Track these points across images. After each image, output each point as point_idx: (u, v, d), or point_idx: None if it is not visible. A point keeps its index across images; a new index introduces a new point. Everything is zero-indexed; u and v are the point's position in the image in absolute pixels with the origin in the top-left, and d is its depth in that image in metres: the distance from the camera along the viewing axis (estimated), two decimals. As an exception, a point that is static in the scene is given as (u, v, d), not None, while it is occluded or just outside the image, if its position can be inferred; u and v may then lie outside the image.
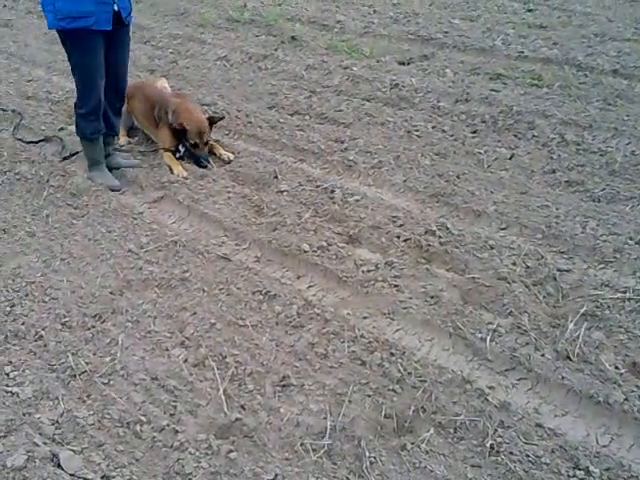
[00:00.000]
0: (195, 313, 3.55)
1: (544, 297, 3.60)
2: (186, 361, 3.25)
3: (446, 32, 7.53)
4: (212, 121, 5.09)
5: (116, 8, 4.29)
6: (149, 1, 9.09)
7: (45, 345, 3.34)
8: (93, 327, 3.46)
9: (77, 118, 4.71)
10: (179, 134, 5.02)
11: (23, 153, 5.26)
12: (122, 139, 5.39)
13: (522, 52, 6.85)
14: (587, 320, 3.41)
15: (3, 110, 6.04)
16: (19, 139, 5.49)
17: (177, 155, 5.11)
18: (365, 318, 3.50)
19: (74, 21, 4.15)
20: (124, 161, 5.09)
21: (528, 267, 3.81)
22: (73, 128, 5.08)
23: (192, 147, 5.02)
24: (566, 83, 6.08)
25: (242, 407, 2.99)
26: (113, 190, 4.76)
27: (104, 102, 4.66)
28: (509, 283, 3.67)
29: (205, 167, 5.00)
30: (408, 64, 6.87)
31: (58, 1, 4.10)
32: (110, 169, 4.96)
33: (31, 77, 6.91)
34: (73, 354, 3.28)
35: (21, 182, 4.88)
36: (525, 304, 3.52)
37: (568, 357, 3.21)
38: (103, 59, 4.45)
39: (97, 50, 4.37)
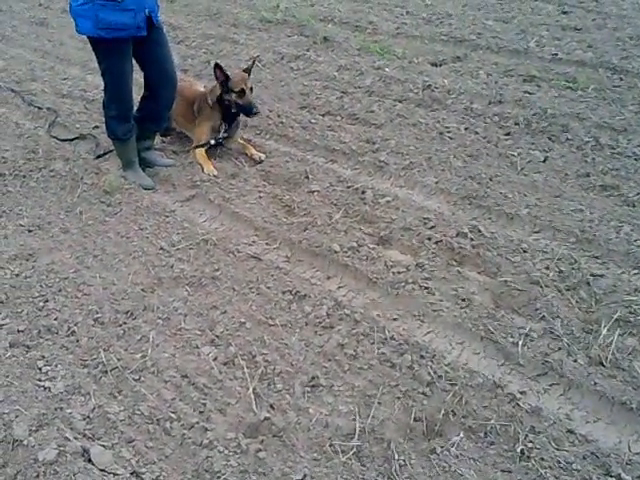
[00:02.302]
0: (225, 312, 3.57)
1: (577, 302, 3.56)
2: (216, 359, 3.26)
3: (479, 33, 7.46)
4: (247, 70, 5.14)
5: (147, 13, 4.34)
6: (183, 1, 9.14)
7: (77, 340, 3.38)
8: (125, 323, 3.50)
9: (107, 120, 4.78)
10: (222, 105, 5.11)
11: (58, 151, 5.31)
12: (156, 138, 5.42)
13: (556, 54, 6.76)
14: (620, 326, 3.37)
15: (38, 108, 6.11)
16: (54, 137, 5.55)
17: (215, 141, 5.16)
18: (395, 320, 3.49)
19: (114, 32, 4.21)
20: (159, 159, 5.13)
21: (561, 271, 3.76)
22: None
23: (238, 97, 5.02)
24: (601, 86, 6.00)
25: (271, 406, 3.00)
26: (146, 189, 4.79)
27: (155, 97, 4.78)
28: (542, 287, 3.64)
29: (257, 113, 5.09)
30: (441, 65, 6.81)
31: (101, 11, 4.13)
32: (145, 166, 5.01)
33: (66, 75, 6.99)
34: (105, 350, 3.32)
35: (55, 179, 4.93)
36: (558, 309, 3.48)
37: (601, 363, 3.17)
38: (132, 64, 4.54)
39: (127, 55, 4.45)
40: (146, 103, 4.87)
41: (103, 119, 4.90)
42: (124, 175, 4.91)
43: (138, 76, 4.67)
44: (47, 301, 3.66)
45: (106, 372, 3.20)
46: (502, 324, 3.41)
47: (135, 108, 4.83)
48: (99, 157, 5.19)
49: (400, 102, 6.02)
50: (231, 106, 5.06)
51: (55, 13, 9.21)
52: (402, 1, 8.92)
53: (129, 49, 4.42)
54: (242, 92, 5.00)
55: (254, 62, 5.26)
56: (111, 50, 4.38)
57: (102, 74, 4.57)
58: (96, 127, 5.68)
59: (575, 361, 3.19)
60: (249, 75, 5.10)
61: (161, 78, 4.72)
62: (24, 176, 4.96)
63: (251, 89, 5.07)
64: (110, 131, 4.81)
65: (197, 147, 5.14)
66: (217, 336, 3.39)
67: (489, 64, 6.69)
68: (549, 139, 5.24)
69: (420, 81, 6.31)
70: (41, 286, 3.78)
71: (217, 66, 5.01)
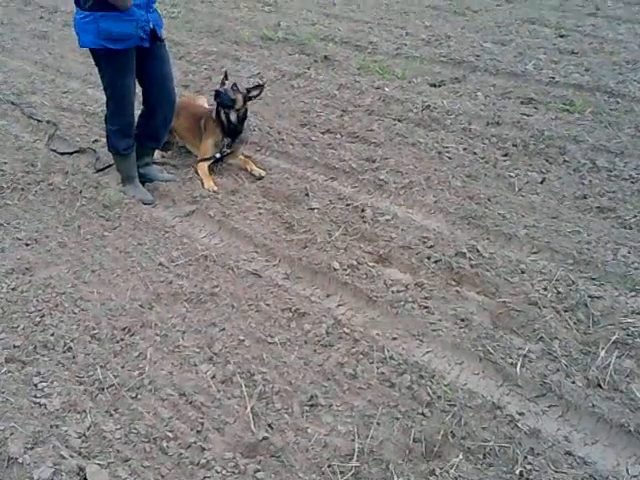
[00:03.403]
0: (224, 329, 3.56)
1: (575, 323, 3.56)
2: (214, 377, 3.25)
3: (478, 55, 7.52)
4: (249, 89, 5.18)
5: (151, 26, 4.36)
6: (185, 18, 9.19)
7: (74, 357, 3.36)
8: (122, 340, 3.48)
9: (108, 134, 4.79)
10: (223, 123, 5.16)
11: (57, 164, 5.30)
12: (156, 153, 5.42)
13: (553, 77, 6.81)
14: (618, 348, 3.37)
15: (38, 121, 6.11)
16: (53, 150, 5.55)
17: (217, 156, 5.18)
18: (394, 339, 3.48)
19: (115, 42, 4.22)
20: (159, 174, 5.13)
21: (559, 292, 3.77)
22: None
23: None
24: (598, 109, 6.04)
25: (269, 426, 2.98)
26: (145, 203, 4.79)
27: (152, 114, 4.79)
28: (540, 308, 3.64)
29: (218, 95, 5.04)
30: (440, 86, 6.86)
31: (102, 21, 4.15)
32: (144, 181, 5.01)
33: (66, 89, 6.99)
34: (101, 367, 3.30)
35: (54, 193, 4.92)
36: (556, 330, 3.49)
37: (599, 385, 3.17)
38: (135, 78, 4.55)
39: (130, 69, 4.46)
40: (144, 120, 4.87)
41: (104, 133, 4.91)
42: (123, 190, 4.90)
43: (138, 91, 4.68)
44: (44, 316, 3.64)
45: (103, 389, 3.18)
46: (501, 345, 3.40)
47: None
48: (99, 171, 5.18)
49: (400, 121, 6.05)
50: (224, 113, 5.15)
51: (56, 26, 9.24)
52: (402, 22, 9.00)
53: (132, 62, 4.43)
54: (222, 84, 5.11)
55: (260, 88, 5.25)
56: (113, 63, 4.39)
57: (104, 88, 4.58)
58: (96, 141, 5.68)
59: (573, 383, 3.19)
60: (251, 95, 5.15)
61: (160, 96, 4.74)
62: (22, 189, 4.94)
63: (234, 86, 5.06)
64: (111, 145, 4.82)
65: (202, 160, 5.14)
66: (215, 354, 3.38)
67: (487, 86, 6.73)
68: (546, 161, 5.27)
69: (419, 101, 6.35)
70: (38, 301, 3.76)
71: (225, 74, 5.17)
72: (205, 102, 5.77)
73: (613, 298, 3.74)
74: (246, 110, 5.21)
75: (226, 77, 5.14)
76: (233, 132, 5.20)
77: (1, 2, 10.49)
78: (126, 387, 3.19)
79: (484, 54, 7.57)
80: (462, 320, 3.58)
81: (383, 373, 3.24)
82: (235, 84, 5.08)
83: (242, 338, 3.47)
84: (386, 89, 6.74)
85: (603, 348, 3.35)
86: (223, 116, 5.14)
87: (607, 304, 3.67)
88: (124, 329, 3.55)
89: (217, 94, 5.04)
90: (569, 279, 3.87)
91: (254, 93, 5.18)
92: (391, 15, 9.39)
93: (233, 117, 5.13)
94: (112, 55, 4.30)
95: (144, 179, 5.02)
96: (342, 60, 7.52)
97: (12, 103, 6.53)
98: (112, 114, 4.68)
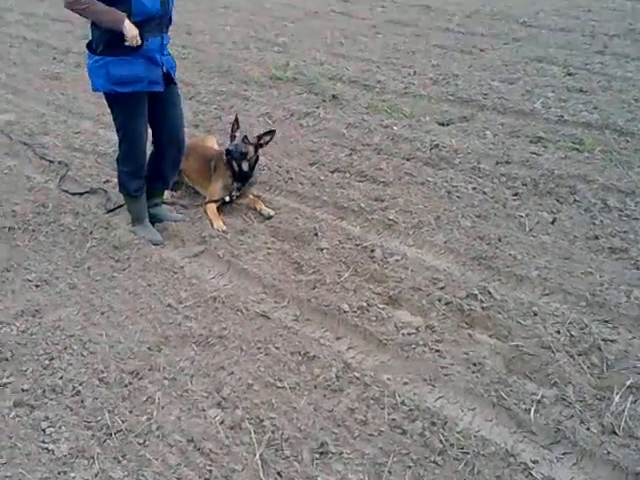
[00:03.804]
0: (232, 373, 3.52)
1: (589, 368, 3.52)
2: (222, 423, 3.21)
3: (485, 94, 7.55)
4: (259, 136, 5.18)
5: (165, 69, 4.39)
6: (195, 59, 9.27)
7: (82, 401, 3.33)
8: (130, 384, 3.45)
9: (120, 175, 4.81)
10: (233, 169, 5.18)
11: (68, 204, 5.31)
12: (166, 193, 5.43)
13: (562, 116, 6.83)
14: (633, 393, 3.33)
15: (50, 162, 6.14)
16: (65, 190, 5.57)
17: (226, 199, 5.20)
18: (406, 384, 3.44)
19: (126, 85, 4.25)
20: (169, 214, 5.13)
21: (572, 336, 3.73)
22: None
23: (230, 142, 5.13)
24: (607, 148, 6.05)
25: (279, 474, 2.94)
26: (155, 244, 4.79)
27: (161, 156, 4.80)
28: (553, 352, 3.61)
29: (229, 153, 5.05)
30: (448, 125, 6.88)
31: (111, 66, 4.19)
32: (154, 221, 5.02)
33: (79, 129, 7.03)
34: (109, 411, 3.27)
35: (65, 233, 4.92)
36: (570, 375, 3.45)
37: (614, 431, 3.12)
38: (147, 121, 4.56)
39: (143, 113, 4.49)
40: (153, 161, 4.88)
41: (115, 173, 4.94)
42: (133, 230, 4.91)
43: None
44: (52, 359, 3.62)
45: (110, 435, 3.14)
46: (514, 390, 3.36)
47: None
48: (110, 212, 5.19)
49: (408, 160, 6.06)
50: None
51: (69, 67, 9.33)
52: (409, 61, 9.06)
53: (143, 106, 4.45)
54: (232, 137, 5.11)
55: (271, 134, 5.24)
56: (124, 106, 4.41)
57: (117, 130, 4.60)
58: (107, 181, 5.70)
59: (588, 429, 3.14)
60: (262, 142, 5.16)
61: (169, 138, 4.74)
62: (33, 230, 4.94)
63: (244, 139, 5.05)
64: (122, 187, 4.85)
65: (210, 202, 5.15)
66: (224, 398, 3.34)
67: (496, 124, 6.75)
68: (557, 200, 5.26)
69: (428, 140, 6.36)
70: (47, 343, 3.74)
71: (235, 118, 5.19)
72: (215, 143, 5.79)
73: (627, 341, 3.71)
74: (257, 157, 5.24)
75: (237, 121, 5.16)
76: (244, 178, 5.22)
77: (14, 43, 10.62)
78: (134, 433, 3.15)
79: (492, 93, 7.60)
80: (474, 364, 3.54)
81: (394, 419, 3.19)
82: (246, 136, 5.07)
83: (251, 382, 3.44)
84: (394, 128, 6.77)
85: (617, 393, 3.31)
86: (235, 166, 5.16)
87: (621, 347, 3.64)
88: (132, 372, 3.52)
89: (228, 152, 5.06)
90: (582, 322, 3.83)
91: (266, 139, 5.19)
92: (398, 54, 9.46)
93: (245, 166, 5.16)
94: (123, 99, 4.33)
95: (154, 219, 5.02)
96: (350, 99, 7.56)
97: (24, 144, 6.57)
98: (124, 156, 4.70)
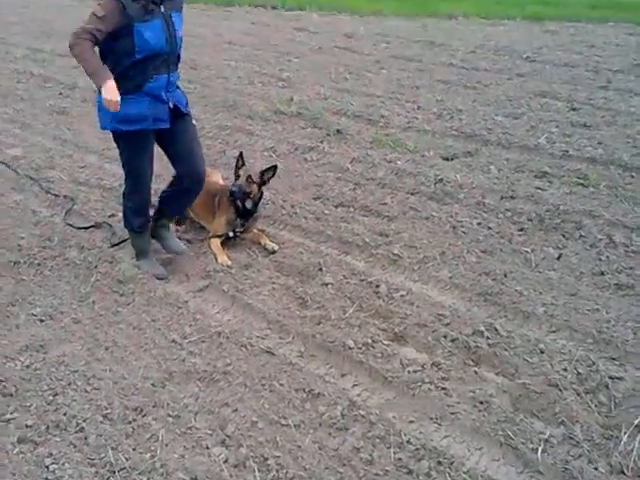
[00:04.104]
0: (237, 410, 3.49)
1: (596, 406, 3.49)
2: (226, 461, 3.18)
3: (490, 129, 7.59)
4: (263, 172, 5.20)
5: (171, 105, 4.41)
6: (200, 94, 9.33)
7: (86, 438, 3.30)
8: (134, 420, 3.42)
9: (125, 210, 4.85)
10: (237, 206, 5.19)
11: (73, 238, 5.32)
12: (171, 227, 5.43)
13: (567, 151, 6.85)
14: (641, 432, 3.28)
15: (56, 196, 6.17)
16: (70, 224, 5.58)
17: (230, 235, 5.21)
18: (411, 422, 3.41)
19: (131, 124, 4.29)
20: (173, 243, 5.04)
21: (579, 373, 3.70)
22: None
23: (234, 181, 5.17)
24: (612, 183, 6.06)
25: (284, 514, 2.90)
26: (159, 279, 4.78)
27: (180, 185, 4.77)
28: (560, 390, 3.58)
29: (232, 193, 5.09)
30: (452, 159, 6.90)
31: None
32: (158, 240, 5.03)
33: (84, 163, 7.07)
34: (113, 449, 3.23)
35: (69, 267, 4.92)
36: (577, 413, 3.41)
37: (622, 471, 3.09)
38: (152, 157, 4.60)
39: (148, 149, 4.53)
40: (171, 189, 4.87)
41: (119, 207, 4.96)
42: (138, 264, 4.91)
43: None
44: (56, 395, 3.59)
45: (114, 472, 3.11)
46: (521, 429, 3.33)
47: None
48: (114, 246, 5.20)
49: (412, 195, 6.07)
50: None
51: (75, 102, 9.41)
52: (413, 96, 9.12)
53: (148, 144, 4.49)
54: (237, 177, 5.14)
55: (274, 169, 5.24)
56: (130, 143, 4.45)
57: (122, 166, 4.65)
58: (112, 215, 5.71)
59: (596, 469, 3.10)
60: (265, 179, 5.19)
61: (186, 172, 4.70)
62: (39, 264, 4.95)
63: (248, 178, 5.08)
64: (126, 222, 4.89)
65: (215, 237, 5.15)
66: (228, 436, 3.31)
67: (500, 159, 6.77)
68: (562, 236, 5.26)
69: (432, 175, 6.38)
70: (51, 379, 3.72)
71: (240, 155, 5.20)
72: (220, 178, 5.81)
73: (634, 379, 3.67)
74: (262, 194, 5.28)
75: (241, 158, 5.18)
76: (248, 214, 5.24)
77: (21, 79, 10.71)
78: (137, 470, 3.12)
79: (496, 127, 7.64)
80: (481, 402, 3.50)
81: (400, 459, 3.16)
82: (250, 176, 5.10)
83: (255, 420, 3.41)
84: (398, 162, 6.80)
85: (625, 432, 3.27)
86: (239, 204, 5.17)
87: (629, 385, 3.61)
88: (136, 409, 3.49)
89: (232, 194, 5.09)
90: (589, 359, 3.81)
91: (268, 175, 5.21)
92: (402, 89, 9.52)
93: (249, 204, 5.19)
94: (129, 136, 4.37)
95: (158, 239, 5.02)
96: (354, 134, 7.61)
97: (30, 178, 6.60)
98: (129, 192, 4.74)
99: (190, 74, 10.38)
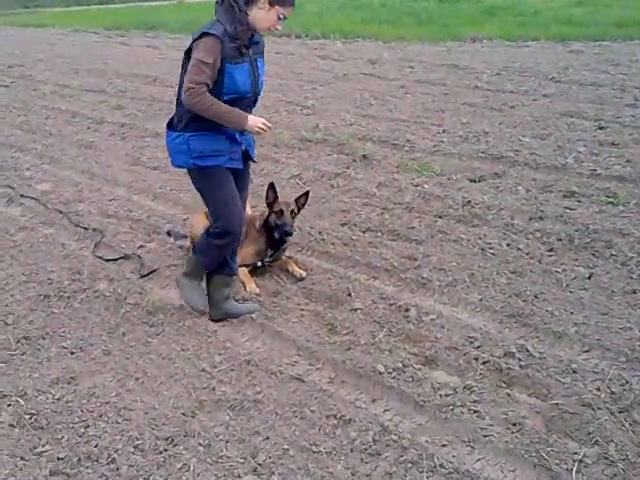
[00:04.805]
0: (268, 438, 3.47)
1: (630, 425, 3.41)
2: (259, 489, 3.15)
3: (517, 150, 7.57)
4: (297, 200, 5.20)
5: (244, 148, 4.40)
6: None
7: (117, 469, 3.29)
8: (165, 450, 3.41)
9: (219, 253, 4.46)
10: (268, 229, 5.17)
11: (102, 271, 5.39)
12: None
13: (595, 170, 6.80)
14: (676, 450, 3.21)
15: (85, 229, 6.26)
16: (99, 257, 5.65)
17: (261, 263, 5.21)
18: (444, 446, 3.36)
19: (208, 159, 4.20)
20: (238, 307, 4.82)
21: (613, 393, 3.64)
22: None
23: (277, 217, 5.09)
24: (642, 201, 6.00)
25: (317, 541, 2.86)
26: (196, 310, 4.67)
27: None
28: (594, 410, 3.51)
29: (288, 234, 5.09)
30: (479, 182, 6.89)
31: (192, 141, 4.15)
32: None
33: (112, 196, 7.18)
34: (145, 479, 3.23)
35: (99, 300, 4.97)
36: (611, 432, 3.34)
37: (658, 489, 3.02)
38: (235, 189, 4.42)
39: (230, 184, 4.35)
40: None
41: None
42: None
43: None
44: (88, 427, 3.60)
45: (146, 502, 3.11)
46: (555, 450, 3.27)
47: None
48: (143, 277, 5.24)
49: (440, 218, 6.06)
50: (272, 227, 5.12)
51: (103, 136, 9.58)
52: (438, 120, 9.14)
53: (228, 179, 4.33)
54: (280, 212, 5.07)
55: (307, 195, 5.25)
56: (210, 177, 4.30)
57: (208, 206, 4.47)
58: (141, 246, 5.78)
59: (632, 488, 3.04)
60: (299, 205, 5.17)
61: None
62: (69, 297, 5.00)
63: (292, 212, 5.09)
64: (232, 266, 4.59)
65: (242, 266, 5.13)
66: (259, 464, 3.28)
67: (528, 180, 6.74)
68: (593, 255, 5.20)
69: (459, 197, 6.37)
70: (82, 411, 3.73)
71: (271, 186, 5.11)
72: (248, 207, 5.83)
73: (668, 397, 3.60)
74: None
75: (273, 190, 5.11)
76: (279, 244, 5.23)
77: (50, 115, 10.96)
78: (169, 500, 3.12)
79: (523, 149, 7.62)
80: (514, 424, 3.44)
81: (434, 483, 3.11)
82: (293, 210, 5.09)
83: (286, 447, 3.38)
84: (425, 186, 6.80)
85: (661, 451, 3.20)
86: (277, 236, 5.14)
87: (663, 404, 3.53)
88: (167, 439, 3.49)
89: (286, 234, 5.09)
90: (622, 378, 3.74)
91: (302, 202, 5.21)
92: (427, 113, 9.56)
93: (289, 239, 5.21)
94: (207, 171, 4.26)
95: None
96: (380, 159, 7.63)
97: (60, 212, 6.71)
98: (223, 231, 4.34)
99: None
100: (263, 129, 4.14)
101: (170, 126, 4.31)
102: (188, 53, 4.08)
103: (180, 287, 4.69)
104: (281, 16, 4.15)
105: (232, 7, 4.05)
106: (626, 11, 16.68)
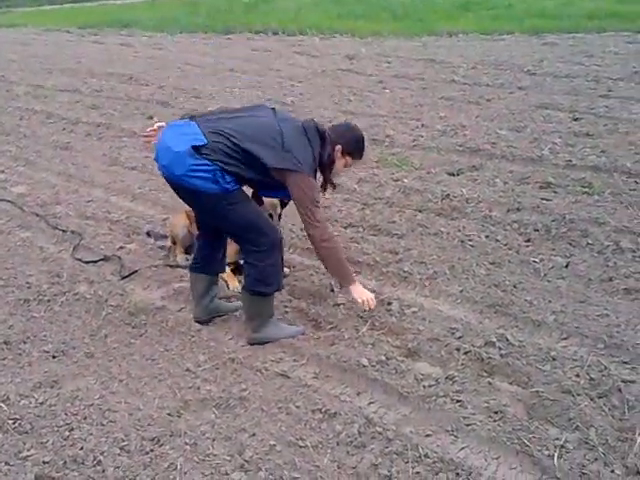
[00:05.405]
0: (254, 434, 3.49)
1: (610, 410, 3.47)
2: (246, 485, 3.17)
3: (494, 143, 7.63)
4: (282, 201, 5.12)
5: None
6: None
7: (104, 471, 3.29)
8: (151, 451, 3.41)
9: (267, 273, 4.19)
10: None
11: (82, 273, 5.36)
12: (179, 257, 5.48)
13: (570, 160, 6.87)
14: (655, 433, 3.27)
15: (63, 231, 6.21)
16: (78, 259, 5.62)
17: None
18: (428, 436, 3.39)
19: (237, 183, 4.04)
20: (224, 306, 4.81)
21: (592, 379, 3.69)
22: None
23: None
24: (617, 190, 6.06)
25: (305, 535, 2.89)
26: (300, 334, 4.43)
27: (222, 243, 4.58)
28: (574, 396, 3.56)
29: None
30: (458, 175, 6.94)
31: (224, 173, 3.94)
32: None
33: (90, 198, 7.14)
34: (131, 480, 3.24)
35: (80, 302, 4.95)
36: (591, 418, 3.39)
37: (638, 472, 3.06)
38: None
39: (252, 200, 4.31)
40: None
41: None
42: (261, 337, 4.34)
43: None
44: (72, 430, 3.59)
45: (134, 503, 3.12)
46: (537, 436, 3.31)
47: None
48: (124, 278, 5.23)
49: (420, 212, 6.10)
50: None
51: (79, 137, 9.52)
52: (417, 114, 9.19)
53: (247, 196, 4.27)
54: (270, 217, 5.02)
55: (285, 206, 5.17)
56: (238, 198, 4.11)
57: (241, 230, 4.21)
58: (121, 248, 5.78)
59: (612, 472, 3.08)
60: (283, 204, 5.11)
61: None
62: (49, 301, 4.97)
63: (279, 216, 5.03)
64: (269, 285, 4.24)
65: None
66: (246, 461, 3.30)
67: (505, 172, 6.80)
68: (570, 244, 5.26)
69: (439, 191, 6.41)
70: (66, 414, 3.72)
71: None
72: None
73: (646, 381, 3.67)
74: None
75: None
76: None
77: (24, 116, 10.87)
78: (157, 500, 3.13)
79: (500, 141, 7.68)
80: (496, 412, 3.49)
81: (419, 472, 3.14)
82: (280, 214, 5.05)
83: (273, 443, 3.40)
84: (405, 180, 6.84)
85: (639, 434, 3.26)
86: None
87: (641, 388, 3.60)
88: (153, 439, 3.49)
89: None
90: (601, 364, 3.80)
91: (286, 200, 5.14)
92: (406, 108, 9.61)
93: None
94: (235, 192, 4.06)
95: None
96: (360, 154, 7.64)
97: (37, 215, 6.67)
98: (267, 249, 4.15)
99: (193, 103, 10.52)
100: (367, 304, 4.21)
101: (199, 152, 3.90)
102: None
103: (268, 338, 4.35)
104: None
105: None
106: (599, 3, 16.78)
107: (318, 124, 4.23)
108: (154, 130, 4.35)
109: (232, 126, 4.01)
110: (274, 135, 4.01)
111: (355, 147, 4.38)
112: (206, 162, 3.87)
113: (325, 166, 4.26)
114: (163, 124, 4.33)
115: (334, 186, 4.50)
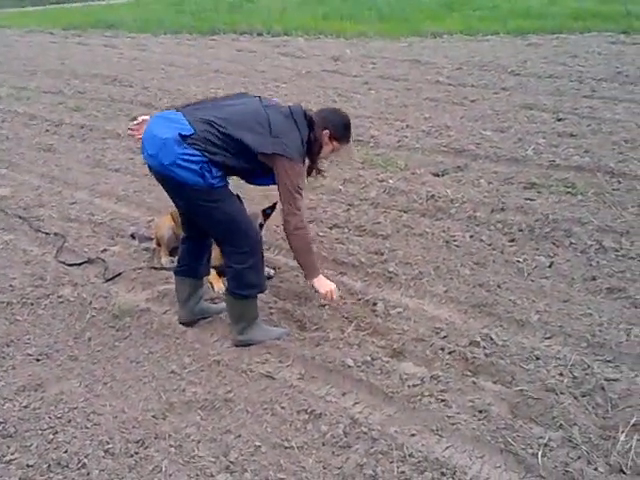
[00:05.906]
0: (240, 436, 3.49)
1: (593, 408, 3.50)
2: (231, 487, 3.17)
3: (478, 144, 7.65)
4: (264, 211, 5.10)
5: None
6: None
7: (88, 474, 3.28)
8: (136, 453, 3.41)
9: (246, 274, 4.14)
10: None
11: (66, 276, 5.34)
12: (164, 259, 5.46)
13: (554, 161, 6.90)
14: (638, 431, 3.29)
15: (46, 234, 6.18)
16: (62, 262, 5.59)
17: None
18: (413, 436, 3.41)
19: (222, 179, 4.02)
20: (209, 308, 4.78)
21: (575, 377, 3.72)
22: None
23: None
24: (600, 190, 6.09)
25: (290, 535, 2.89)
26: (286, 334, 4.42)
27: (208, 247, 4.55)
28: (557, 395, 3.59)
29: None
30: (442, 175, 6.95)
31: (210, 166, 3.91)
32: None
33: (74, 200, 7.10)
34: (116, 483, 3.23)
35: (64, 305, 4.92)
36: (575, 416, 3.42)
37: (621, 470, 3.09)
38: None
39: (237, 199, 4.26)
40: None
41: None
42: (246, 339, 4.32)
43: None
44: (57, 433, 3.58)
45: (119, 505, 3.11)
46: (521, 435, 3.33)
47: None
48: (108, 280, 5.21)
49: (405, 212, 6.11)
50: None
51: (62, 139, 9.47)
52: (402, 115, 9.20)
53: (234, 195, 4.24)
54: None
55: (274, 207, 5.09)
56: (223, 195, 4.07)
57: (219, 226, 4.14)
58: (105, 250, 5.75)
59: (596, 469, 3.11)
60: (266, 216, 5.07)
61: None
62: (32, 304, 4.95)
63: (260, 225, 4.94)
64: (251, 286, 4.21)
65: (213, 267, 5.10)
66: (232, 462, 3.30)
67: (489, 173, 6.82)
68: (553, 244, 5.29)
69: (424, 191, 6.42)
70: (50, 417, 3.71)
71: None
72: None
73: (630, 380, 3.70)
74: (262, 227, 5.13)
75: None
76: None
77: (6, 118, 10.81)
78: (142, 502, 3.12)
79: (484, 142, 7.70)
80: (480, 412, 3.51)
81: (404, 472, 3.15)
82: (260, 224, 4.95)
83: (258, 444, 3.41)
84: (390, 181, 6.84)
85: (623, 432, 3.28)
86: None
87: (624, 386, 3.62)
88: (138, 442, 3.49)
89: None
90: (584, 363, 3.83)
91: (268, 212, 5.09)
92: (391, 109, 9.61)
93: None
94: (216, 191, 4.00)
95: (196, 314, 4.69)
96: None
97: (20, 217, 6.63)
98: (249, 251, 4.12)
99: (178, 104, 10.45)
100: (328, 298, 4.29)
101: (187, 141, 3.84)
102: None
103: (252, 341, 4.34)
104: None
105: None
106: (582, 3, 16.85)
107: (306, 109, 4.24)
108: (139, 124, 4.34)
109: (218, 114, 3.98)
110: (261, 121, 3.99)
111: (342, 131, 4.38)
112: (194, 152, 3.82)
113: (313, 151, 4.26)
114: (147, 117, 4.31)
115: (319, 171, 4.50)
